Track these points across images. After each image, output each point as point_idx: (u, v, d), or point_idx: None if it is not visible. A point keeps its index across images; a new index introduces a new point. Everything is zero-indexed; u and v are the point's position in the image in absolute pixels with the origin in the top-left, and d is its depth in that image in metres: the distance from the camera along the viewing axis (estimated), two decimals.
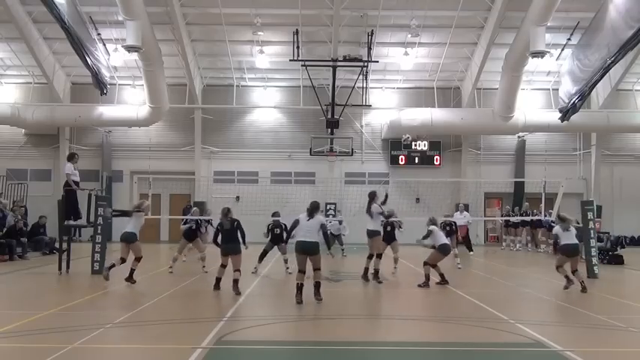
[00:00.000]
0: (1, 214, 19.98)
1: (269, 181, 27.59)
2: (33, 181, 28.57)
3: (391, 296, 12.95)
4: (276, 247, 15.53)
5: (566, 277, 12.91)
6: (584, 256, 15.81)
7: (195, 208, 17.46)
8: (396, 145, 29.43)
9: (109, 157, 29.28)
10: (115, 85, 28.31)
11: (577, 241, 13.13)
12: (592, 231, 15.84)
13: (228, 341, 7.97)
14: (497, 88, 26.82)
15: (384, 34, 26.06)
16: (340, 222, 21.13)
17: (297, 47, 23.84)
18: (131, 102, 28.59)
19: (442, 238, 13.31)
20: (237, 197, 26.94)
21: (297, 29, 23.89)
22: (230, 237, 12.07)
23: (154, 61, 24.51)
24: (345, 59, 24.16)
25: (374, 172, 29.04)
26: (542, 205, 21.15)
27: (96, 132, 29.52)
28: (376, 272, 14.08)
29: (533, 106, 28.60)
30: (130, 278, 13.14)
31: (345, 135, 27.41)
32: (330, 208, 27.71)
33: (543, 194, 20.59)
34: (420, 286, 13.08)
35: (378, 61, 25.52)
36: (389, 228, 14.99)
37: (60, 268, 15.06)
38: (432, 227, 13.41)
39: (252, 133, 29.74)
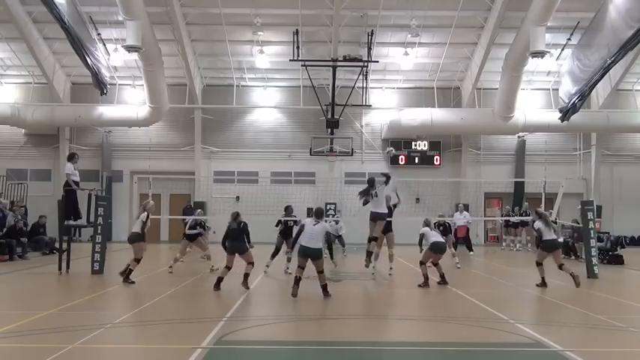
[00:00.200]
0: (1, 214, 19.98)
1: (269, 181, 27.60)
2: (33, 181, 28.56)
3: (391, 296, 12.95)
4: (285, 242, 15.73)
5: (543, 278, 13.16)
6: (583, 256, 15.82)
7: (199, 210, 17.46)
8: (396, 145, 29.34)
9: (109, 157, 29.28)
10: (115, 85, 28.30)
11: (556, 237, 13.56)
12: (592, 231, 15.83)
13: (228, 341, 7.97)
14: (497, 88, 26.82)
15: (384, 34, 26.06)
16: (337, 222, 21.14)
17: (297, 47, 23.85)
18: (131, 102, 28.59)
19: (433, 237, 13.28)
20: (237, 197, 26.96)
21: (297, 29, 23.90)
22: (236, 236, 12.36)
23: (154, 61, 24.51)
24: (345, 59, 24.17)
25: (374, 172, 28.82)
26: (542, 205, 21.12)
27: (96, 132, 29.52)
28: (369, 254, 13.79)
29: (533, 106, 28.60)
30: (126, 277, 13.20)
31: (345, 135, 27.43)
32: (330, 208, 27.70)
33: (543, 194, 20.59)
34: (420, 286, 13.08)
35: (378, 61, 25.53)
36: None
37: (60, 268, 15.05)
38: (423, 229, 13.47)
39: (252, 133, 29.74)
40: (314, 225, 11.53)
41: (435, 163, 29.40)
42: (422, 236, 13.42)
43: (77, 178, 15.58)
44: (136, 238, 13.54)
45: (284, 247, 16.12)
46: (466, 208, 24.09)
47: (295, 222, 15.59)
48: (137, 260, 13.36)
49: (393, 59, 27.64)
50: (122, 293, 12.56)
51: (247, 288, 12.26)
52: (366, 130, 29.77)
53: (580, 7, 23.04)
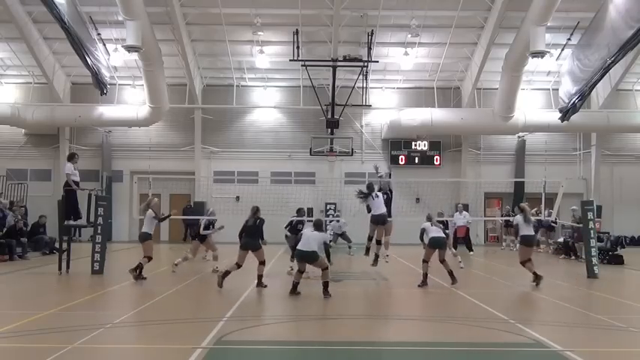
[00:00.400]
0: (1, 214, 19.98)
1: (269, 181, 27.58)
2: (33, 181, 28.56)
3: (391, 296, 12.96)
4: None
5: (534, 272, 13.25)
6: (583, 256, 15.82)
7: (212, 209, 17.41)
8: (396, 145, 29.44)
9: (109, 157, 29.28)
10: (115, 85, 28.30)
11: (534, 233, 13.90)
12: (592, 231, 15.82)
13: (228, 341, 7.97)
14: (497, 88, 26.81)
15: (384, 34, 26.06)
16: (338, 220, 21.10)
17: (297, 47, 23.85)
18: (131, 102, 28.59)
19: (432, 232, 13.26)
20: (237, 197, 26.94)
21: (297, 29, 23.90)
22: (251, 233, 12.57)
23: (154, 61, 24.51)
24: (345, 59, 24.18)
25: (374, 173, 28.87)
26: (542, 205, 21.16)
27: (96, 132, 29.52)
28: (368, 250, 14.17)
29: (533, 106, 28.60)
30: (135, 272, 13.46)
31: (345, 135, 27.44)
32: (330, 208, 27.71)
33: (543, 194, 20.58)
34: (419, 286, 13.08)
35: (378, 61, 25.53)
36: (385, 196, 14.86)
37: (60, 268, 15.05)
38: (424, 224, 13.48)
39: (252, 133, 29.74)
40: (311, 232, 11.89)
41: (435, 163, 29.40)
42: (422, 231, 13.42)
43: (77, 178, 15.58)
44: (145, 237, 13.97)
45: (280, 252, 16.09)
46: (466, 208, 24.08)
47: (304, 225, 15.63)
48: (148, 258, 13.77)
49: (393, 59, 27.63)
50: (122, 293, 12.56)
51: (264, 286, 12.54)
52: (366, 130, 29.77)
53: (580, 7, 23.04)
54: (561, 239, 22.56)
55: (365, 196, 13.87)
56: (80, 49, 21.37)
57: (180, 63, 27.24)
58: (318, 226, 12.11)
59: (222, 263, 15.82)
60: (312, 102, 26.78)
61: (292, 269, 15.20)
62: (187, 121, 29.46)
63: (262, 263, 12.69)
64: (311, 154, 26.43)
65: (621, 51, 19.03)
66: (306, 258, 11.68)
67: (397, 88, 29.80)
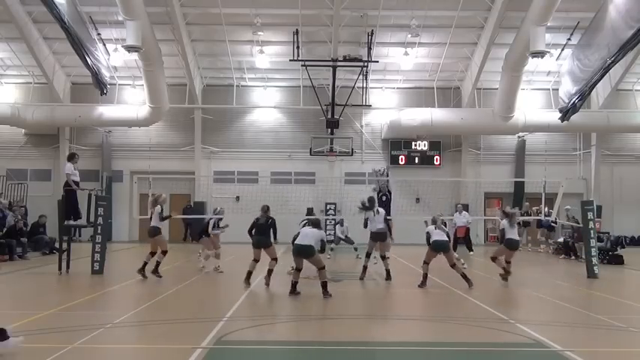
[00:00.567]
0: (1, 214, 19.98)
1: (269, 181, 27.59)
2: (33, 181, 28.56)
3: (391, 296, 12.96)
4: None
5: (504, 268, 13.39)
6: (583, 256, 15.84)
7: (219, 208, 17.39)
8: (396, 145, 29.44)
9: (109, 157, 29.28)
10: (115, 85, 28.31)
11: (519, 238, 14.23)
12: (592, 231, 15.82)
13: (228, 341, 7.97)
14: (497, 88, 26.82)
15: (384, 34, 26.06)
16: (341, 224, 21.01)
17: (297, 47, 23.85)
18: (131, 102, 28.59)
19: (435, 235, 13.27)
20: (237, 197, 26.95)
21: (297, 29, 23.90)
22: (262, 231, 12.81)
23: (153, 61, 24.51)
24: (345, 59, 24.17)
25: (374, 173, 28.99)
26: (543, 205, 21.16)
27: (96, 132, 29.52)
28: (365, 269, 14.37)
29: (533, 106, 28.60)
30: (155, 270, 13.78)
31: (345, 135, 27.44)
32: (330, 209, 27.71)
33: (543, 194, 20.58)
34: (419, 286, 13.08)
35: (378, 61, 25.53)
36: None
37: (60, 268, 15.05)
38: (428, 228, 13.49)
39: (252, 133, 29.74)
40: (310, 229, 12.07)
41: (435, 163, 29.41)
42: (428, 235, 13.43)
43: (77, 178, 15.58)
44: (155, 232, 14.21)
45: (281, 251, 16.08)
46: (465, 208, 24.07)
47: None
48: (164, 252, 14.02)
49: (393, 59, 27.64)
50: (122, 293, 12.57)
51: (267, 285, 12.68)
52: (366, 130, 29.77)
53: (580, 7, 23.04)
54: (561, 239, 22.56)
55: (367, 209, 14.07)
56: (80, 49, 21.37)
57: (180, 63, 27.24)
58: (316, 224, 12.26)
59: (222, 262, 15.83)
60: (312, 102, 26.79)
61: (292, 269, 15.22)
62: (187, 121, 29.46)
63: (274, 260, 12.95)
64: (311, 154, 26.42)
65: (621, 51, 19.03)
66: (302, 252, 11.77)
67: (397, 88, 29.80)
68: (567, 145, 30.15)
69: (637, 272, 18.10)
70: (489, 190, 28.93)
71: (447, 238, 13.46)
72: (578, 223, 21.96)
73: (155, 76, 25.34)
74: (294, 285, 11.82)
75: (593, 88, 22.22)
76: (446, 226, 18.78)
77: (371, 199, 14.45)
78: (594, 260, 15.40)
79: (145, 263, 14.06)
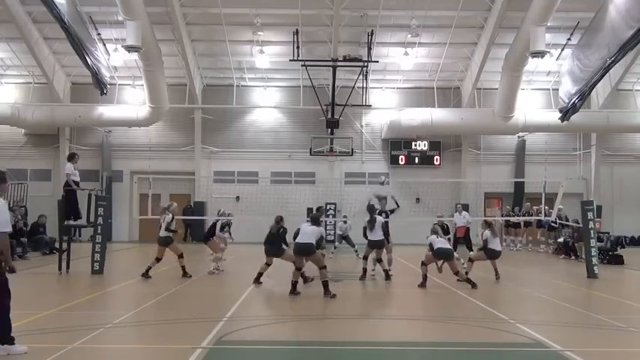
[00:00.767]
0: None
1: (269, 181, 27.58)
2: (33, 181, 28.52)
3: (391, 296, 12.96)
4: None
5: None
6: (583, 256, 15.85)
7: (223, 209, 17.43)
8: (396, 145, 29.43)
9: (109, 157, 29.27)
10: (115, 85, 28.29)
11: (500, 248, 14.60)
12: (592, 231, 15.82)
13: (228, 341, 7.97)
14: (497, 88, 26.80)
15: (384, 34, 26.05)
16: (345, 222, 20.96)
17: (297, 47, 23.83)
18: (131, 102, 28.58)
19: (438, 244, 13.31)
20: (237, 197, 26.95)
21: (297, 29, 23.88)
22: (272, 241, 12.81)
23: (153, 61, 24.51)
24: (345, 59, 24.15)
25: (374, 172, 28.96)
26: (543, 205, 21.15)
27: (96, 132, 29.51)
28: (365, 271, 14.46)
29: (533, 106, 28.58)
30: (184, 274, 14.15)
31: (345, 135, 27.42)
32: (330, 209, 27.69)
33: (543, 194, 20.57)
34: (419, 286, 13.09)
35: (378, 61, 25.50)
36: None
37: (60, 268, 15.06)
38: (430, 238, 13.55)
39: (252, 133, 29.73)
40: (309, 227, 12.15)
41: (435, 163, 29.39)
42: (430, 245, 13.45)
43: (77, 178, 15.59)
44: (167, 242, 14.45)
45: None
46: (465, 208, 24.03)
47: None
48: (180, 256, 14.35)
49: (393, 59, 27.63)
50: (122, 293, 12.57)
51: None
52: (366, 130, 29.76)
53: (580, 7, 23.03)
54: (561, 239, 22.56)
55: (371, 221, 14.13)
56: (80, 49, 21.36)
57: (180, 63, 27.24)
58: (315, 221, 12.37)
59: (223, 262, 15.82)
60: (312, 102, 26.77)
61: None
62: (187, 121, 29.45)
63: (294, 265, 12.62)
64: (311, 154, 26.41)
65: (621, 51, 19.02)
66: (303, 251, 11.88)
67: (397, 88, 29.79)
68: (567, 145, 30.14)
69: (637, 272, 18.10)
70: (489, 190, 28.91)
71: (450, 247, 13.76)
72: (568, 221, 22.04)
73: (155, 76, 25.34)
74: (294, 285, 11.84)
75: (593, 88, 22.22)
76: (448, 230, 18.90)
77: (369, 208, 14.48)
78: (594, 260, 15.41)
79: (149, 268, 14.13)
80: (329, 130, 25.72)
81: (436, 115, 27.40)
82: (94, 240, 15.29)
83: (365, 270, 14.45)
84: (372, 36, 23.86)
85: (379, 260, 14.36)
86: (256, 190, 25.94)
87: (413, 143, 29.35)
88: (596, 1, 20.91)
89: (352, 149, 26.52)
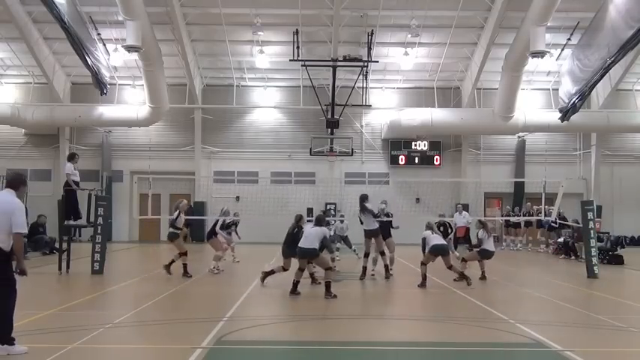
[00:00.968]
0: None
1: (269, 181, 27.58)
2: (33, 181, 28.35)
3: (391, 296, 12.96)
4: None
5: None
6: (583, 256, 15.83)
7: (226, 207, 17.39)
8: (396, 145, 29.43)
9: (109, 157, 29.28)
10: (115, 85, 28.30)
11: (494, 249, 14.60)
12: (592, 231, 15.82)
13: (228, 341, 7.97)
14: (497, 88, 26.81)
15: (384, 34, 26.05)
16: (342, 221, 20.95)
17: (297, 47, 23.83)
18: (131, 102, 28.59)
19: (434, 240, 13.32)
20: (237, 197, 26.94)
21: (297, 29, 23.88)
22: (290, 242, 12.63)
23: (153, 61, 24.51)
24: (345, 59, 24.15)
25: (374, 172, 29.05)
26: (543, 205, 21.14)
27: (96, 132, 29.52)
28: (365, 270, 14.43)
29: (533, 106, 28.59)
30: (184, 273, 14.16)
31: (345, 135, 27.42)
32: (330, 209, 27.67)
33: (543, 194, 20.56)
34: (419, 286, 13.09)
35: (378, 61, 25.51)
36: (384, 220, 15.19)
37: (60, 268, 15.06)
38: (424, 233, 13.58)
39: (252, 133, 29.74)
40: (311, 228, 11.98)
41: (435, 163, 29.40)
42: (424, 240, 13.47)
43: (77, 178, 15.58)
44: (171, 237, 14.73)
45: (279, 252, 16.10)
46: (465, 208, 24.07)
47: (392, 223, 15.57)
48: (183, 254, 14.39)
49: (393, 59, 27.63)
50: (122, 293, 12.57)
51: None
52: (366, 130, 29.77)
53: (580, 7, 23.03)
54: (561, 239, 22.56)
55: (362, 209, 14.21)
56: (80, 49, 21.37)
57: (180, 63, 27.24)
58: (319, 221, 12.15)
59: (223, 261, 15.84)
60: (312, 102, 26.77)
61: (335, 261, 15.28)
62: (187, 121, 29.46)
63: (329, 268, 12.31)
64: (311, 154, 26.41)
65: (621, 51, 19.03)
66: (306, 255, 11.77)
67: (397, 88, 29.80)
68: (567, 145, 30.15)
69: (637, 272, 18.10)
70: (489, 190, 28.91)
71: (445, 242, 13.76)
72: (566, 220, 22.04)
73: (155, 76, 25.34)
74: (295, 284, 11.80)
75: (593, 88, 22.23)
76: (450, 229, 18.92)
77: (362, 196, 14.55)
78: (594, 260, 15.39)
79: (173, 261, 14.48)
80: (329, 130, 25.73)
81: (436, 115, 27.40)
82: (94, 240, 15.29)
83: (365, 269, 14.44)
84: (372, 36, 23.86)
85: (382, 253, 14.35)
86: (256, 190, 25.92)
87: (413, 143, 29.36)
88: (596, 1, 20.92)
89: (352, 149, 26.52)
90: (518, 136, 29.32)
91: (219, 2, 23.90)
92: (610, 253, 19.44)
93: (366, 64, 24.31)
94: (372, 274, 14.82)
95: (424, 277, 13.18)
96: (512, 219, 24.82)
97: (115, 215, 26.19)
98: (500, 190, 28.83)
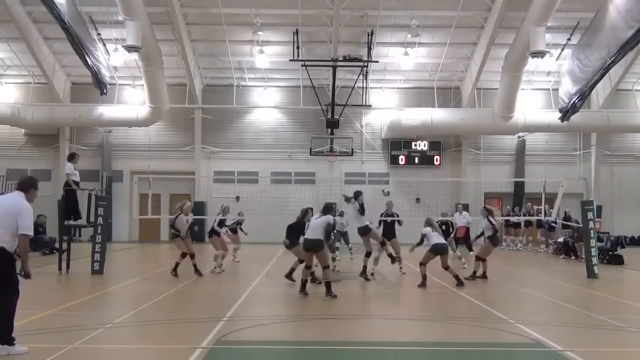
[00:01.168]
0: None
1: (269, 181, 27.59)
2: None
3: (391, 296, 12.95)
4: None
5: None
6: (583, 256, 15.83)
7: (226, 205, 17.33)
8: (396, 145, 29.44)
9: (109, 157, 29.28)
10: (115, 85, 28.30)
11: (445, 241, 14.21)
12: (592, 231, 15.82)
13: (228, 341, 7.97)
14: (497, 88, 26.82)
15: (384, 34, 26.05)
16: (342, 215, 20.92)
17: (297, 47, 23.82)
18: (131, 102, 28.59)
19: (434, 239, 13.31)
20: (237, 197, 26.95)
21: (297, 29, 23.87)
22: (291, 232, 12.62)
23: (153, 61, 24.51)
24: (345, 59, 24.13)
25: (374, 172, 29.04)
26: (543, 205, 21.14)
27: (96, 132, 29.52)
28: (365, 269, 14.36)
29: (533, 106, 28.60)
30: (173, 270, 14.11)
31: (345, 135, 27.41)
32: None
33: (543, 194, 20.58)
34: (419, 286, 13.09)
35: (378, 61, 25.49)
36: (389, 221, 15.22)
37: (60, 268, 15.06)
38: (425, 230, 13.50)
39: (252, 133, 29.74)
40: (316, 219, 11.70)
41: (435, 163, 29.40)
42: (423, 237, 13.45)
43: (77, 178, 15.59)
44: (173, 237, 14.78)
45: (280, 252, 16.11)
46: (466, 208, 24.03)
47: (399, 221, 15.57)
48: (191, 256, 14.35)
49: (393, 59, 27.63)
50: (122, 293, 12.57)
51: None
52: (366, 130, 29.77)
53: (580, 7, 23.03)
54: (561, 239, 22.56)
55: (347, 200, 14.26)
56: (80, 49, 21.36)
57: (180, 63, 27.24)
58: (326, 209, 11.76)
59: (224, 261, 15.83)
60: (312, 102, 26.77)
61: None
62: (187, 121, 29.46)
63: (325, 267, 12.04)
64: (311, 154, 26.40)
65: (621, 51, 19.02)
66: (311, 247, 11.44)
67: (397, 88, 29.80)
68: (567, 145, 30.16)
69: (637, 272, 18.10)
70: (489, 190, 28.91)
71: (445, 241, 13.74)
72: (578, 223, 22.03)
73: (155, 76, 25.34)
74: (303, 283, 11.56)
75: (593, 88, 22.22)
76: (452, 228, 18.91)
77: (355, 193, 14.62)
78: (594, 260, 15.39)
79: (178, 264, 14.43)
80: (329, 130, 25.71)
81: (436, 115, 27.41)
82: (94, 240, 15.29)
83: (365, 267, 14.36)
84: (372, 36, 23.84)
85: (367, 254, 14.26)
86: (256, 190, 25.93)
87: (413, 143, 29.36)
88: (596, 1, 20.91)
89: (352, 149, 26.50)
90: (518, 136, 29.32)
91: (219, 2, 23.90)
92: (610, 253, 19.44)
93: (366, 64, 24.29)
94: (372, 274, 14.81)
95: (424, 277, 13.18)
96: (513, 219, 24.81)
97: (115, 215, 26.20)
98: (500, 190, 28.84)
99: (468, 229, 22.18)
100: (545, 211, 21.94)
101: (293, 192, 25.08)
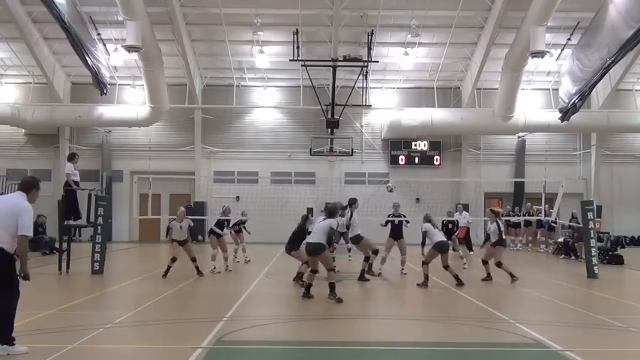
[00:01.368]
0: None
1: (269, 181, 27.60)
2: None
3: (391, 296, 12.96)
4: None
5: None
6: (583, 256, 15.81)
7: (227, 206, 17.30)
8: (396, 145, 29.43)
9: (109, 157, 29.28)
10: (115, 85, 28.29)
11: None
12: (592, 231, 15.82)
13: (228, 341, 7.97)
14: (497, 88, 26.81)
15: (384, 34, 26.05)
16: (343, 215, 20.85)
17: (297, 47, 23.81)
18: (131, 102, 28.59)
19: (437, 236, 13.31)
20: (237, 197, 26.94)
21: (297, 29, 23.86)
22: (294, 237, 12.74)
23: (153, 61, 24.51)
24: (345, 59, 24.13)
25: (374, 172, 29.05)
26: (543, 205, 21.14)
27: (96, 132, 29.52)
28: (363, 272, 14.33)
29: (533, 106, 28.59)
30: (164, 272, 14.00)
31: (345, 135, 27.39)
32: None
33: (543, 194, 20.58)
34: (419, 285, 13.09)
35: (378, 61, 25.48)
36: (396, 222, 15.34)
37: (60, 268, 15.07)
38: (425, 226, 13.47)
39: (252, 133, 29.74)
40: (320, 222, 11.59)
41: (435, 163, 29.40)
42: (425, 234, 13.44)
43: (77, 178, 15.61)
44: (171, 240, 14.81)
45: (279, 252, 16.11)
46: (466, 208, 24.06)
47: (407, 221, 15.67)
48: (172, 260, 14.24)
49: (393, 59, 27.62)
50: (122, 293, 12.56)
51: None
52: (366, 130, 29.77)
53: (580, 7, 23.03)
54: (561, 239, 22.56)
55: (343, 208, 14.09)
56: (80, 49, 21.37)
57: (180, 63, 27.23)
58: (332, 212, 11.54)
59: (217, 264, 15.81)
60: (312, 102, 26.76)
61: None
62: (187, 121, 29.46)
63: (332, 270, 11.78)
64: (311, 154, 26.39)
65: (621, 51, 19.02)
66: (311, 251, 11.31)
67: (397, 88, 29.80)
68: (567, 145, 30.15)
69: (637, 272, 18.10)
70: (489, 190, 28.92)
71: (446, 239, 13.73)
72: (578, 223, 22.03)
73: (155, 76, 25.34)
74: (308, 287, 11.34)
75: (593, 88, 22.21)
76: (456, 228, 18.92)
77: (350, 200, 14.73)
78: (594, 260, 15.40)
79: (196, 267, 14.53)
80: (329, 130, 25.69)
81: (436, 115, 27.41)
82: (94, 240, 15.30)
83: (363, 271, 14.33)
84: (372, 36, 23.84)
85: (366, 259, 14.23)
86: (256, 190, 25.95)
87: (413, 143, 29.36)
88: (596, 1, 20.91)
89: (352, 149, 26.49)
90: (518, 136, 29.32)
91: (219, 2, 23.90)
92: (610, 253, 19.44)
93: (366, 64, 24.29)
94: (379, 273, 14.83)
95: (426, 277, 13.16)
96: (513, 219, 24.81)
97: (115, 215, 26.20)
98: (500, 190, 28.83)
99: (468, 229, 22.22)
100: (545, 211, 21.94)
101: (293, 192, 25.10)
